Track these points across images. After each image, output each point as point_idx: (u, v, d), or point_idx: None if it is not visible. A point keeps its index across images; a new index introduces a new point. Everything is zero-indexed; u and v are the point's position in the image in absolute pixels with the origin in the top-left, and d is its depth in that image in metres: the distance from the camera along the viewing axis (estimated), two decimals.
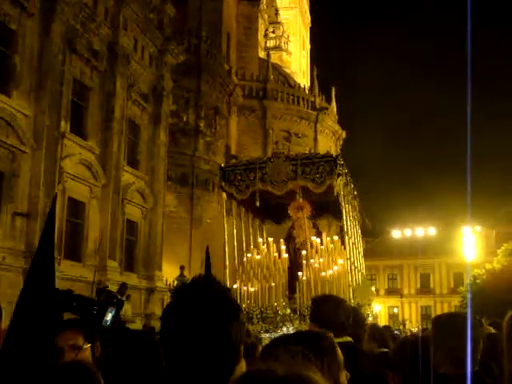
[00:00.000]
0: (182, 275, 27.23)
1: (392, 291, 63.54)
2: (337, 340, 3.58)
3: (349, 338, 3.71)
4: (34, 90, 19.79)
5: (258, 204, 9.98)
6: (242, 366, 1.63)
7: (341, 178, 9.69)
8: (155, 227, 27.32)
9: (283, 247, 10.33)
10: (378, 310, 34.31)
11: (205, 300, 1.65)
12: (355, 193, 11.68)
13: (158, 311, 25.03)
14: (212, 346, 1.59)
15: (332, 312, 3.72)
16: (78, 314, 3.69)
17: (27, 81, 19.62)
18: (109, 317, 3.71)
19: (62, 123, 20.99)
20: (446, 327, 3.05)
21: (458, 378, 2.65)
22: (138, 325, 19.89)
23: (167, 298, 26.52)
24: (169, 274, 28.11)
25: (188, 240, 34.97)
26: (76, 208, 22.42)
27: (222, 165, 10.91)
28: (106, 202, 23.40)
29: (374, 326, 6.75)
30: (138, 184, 26.32)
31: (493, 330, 6.16)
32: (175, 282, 27.37)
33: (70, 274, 20.48)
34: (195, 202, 36.20)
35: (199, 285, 1.75)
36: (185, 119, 37.02)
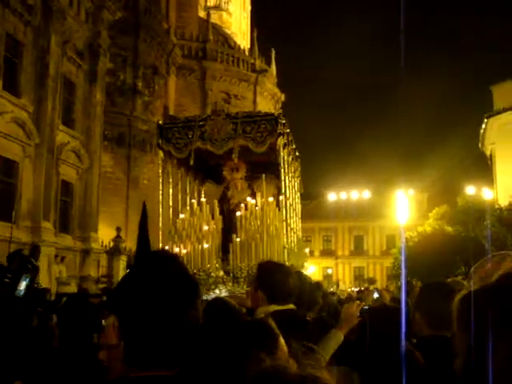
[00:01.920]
0: (118, 237, 27.03)
1: (327, 253, 64.82)
2: (280, 307, 3.66)
3: (291, 306, 3.76)
4: None
5: (191, 163, 9.77)
6: None
7: (281, 137, 9.46)
8: (91, 188, 26.91)
9: (217, 208, 10.09)
10: (313, 271, 34.95)
11: (166, 280, 1.65)
12: (297, 153, 11.51)
13: (94, 273, 24.84)
14: (175, 326, 1.60)
15: (281, 281, 3.75)
16: None
17: None
18: (23, 286, 3.38)
19: None
20: (430, 293, 3.18)
21: (439, 339, 2.78)
22: (73, 287, 19.72)
23: (103, 260, 26.33)
24: (105, 235, 27.85)
25: (124, 201, 34.64)
26: (8, 167, 21.82)
27: (160, 122, 10.45)
28: (40, 161, 22.84)
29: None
30: (73, 144, 25.76)
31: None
32: (111, 244, 27.17)
33: (2, 235, 20.04)
34: (132, 163, 35.78)
35: (158, 262, 1.74)
36: (122, 78, 36.28)
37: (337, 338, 3.79)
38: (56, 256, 22.76)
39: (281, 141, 9.43)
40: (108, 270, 25.88)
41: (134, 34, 36.56)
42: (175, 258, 1.84)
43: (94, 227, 27.05)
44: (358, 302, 4.23)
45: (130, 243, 28.13)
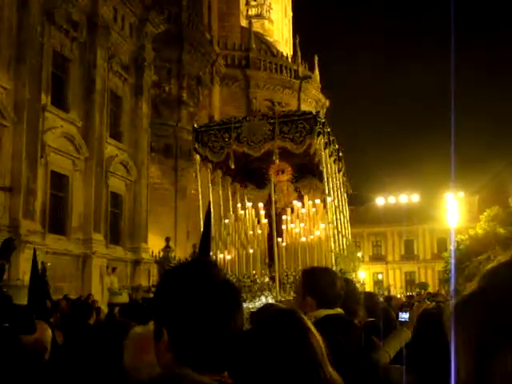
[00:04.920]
0: (167, 246, 27.31)
1: (376, 258, 64.13)
2: (329, 312, 3.63)
3: (339, 310, 3.73)
4: (13, 63, 19.51)
5: (232, 166, 9.39)
6: None
7: (321, 136, 8.96)
8: (140, 199, 27.28)
9: (262, 212, 9.69)
10: (363, 277, 34.62)
11: (210, 287, 1.65)
12: (340, 154, 10.88)
13: (145, 283, 25.13)
14: (218, 335, 1.61)
15: (329, 285, 3.72)
16: None
17: (6, 54, 19.33)
18: None
19: (43, 96, 20.76)
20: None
21: None
22: (124, 297, 19.96)
23: (153, 270, 26.63)
24: (154, 245, 28.16)
25: (173, 211, 34.94)
26: (59, 182, 22.30)
27: (195, 125, 9.97)
28: (90, 175, 23.29)
29: (369, 294, 6.63)
30: (122, 156, 26.19)
31: None
32: (161, 254, 27.45)
33: (55, 248, 20.49)
34: (179, 173, 36.08)
35: (198, 269, 1.74)
36: (167, 90, 36.69)
37: (404, 335, 3.77)
38: (107, 267, 23.12)
39: (321, 140, 9.00)
40: (158, 279, 26.14)
41: (177, 45, 36.94)
42: (213, 264, 1.85)
43: (144, 238, 27.40)
44: (428, 302, 4.21)
45: (180, 252, 28.40)
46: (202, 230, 8.72)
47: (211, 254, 9.17)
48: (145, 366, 1.76)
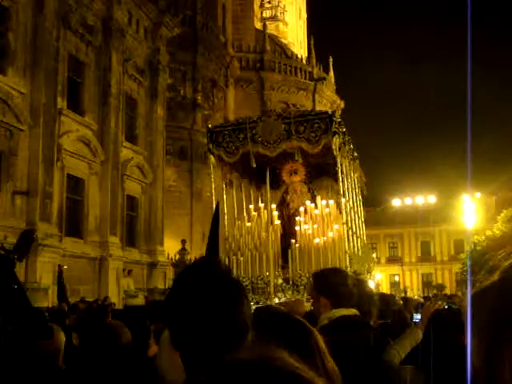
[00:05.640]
0: (183, 249, 27.35)
1: (393, 259, 63.80)
2: (344, 312, 3.62)
3: (354, 311, 3.72)
4: (29, 67, 19.66)
5: (253, 165, 9.25)
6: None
7: (337, 136, 8.84)
8: (155, 202, 27.37)
9: (275, 213, 9.63)
10: (380, 279, 34.47)
11: (208, 283, 1.66)
12: (355, 154, 10.78)
13: (161, 285, 25.20)
14: (217, 328, 1.61)
15: (341, 284, 3.71)
16: None
17: (22, 58, 19.48)
18: None
19: (59, 100, 20.91)
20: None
21: None
22: (140, 300, 20.04)
23: (169, 272, 26.69)
24: (170, 248, 28.22)
25: (189, 214, 35.02)
26: (76, 185, 22.45)
27: (210, 125, 9.93)
28: (106, 178, 23.41)
29: (381, 295, 6.53)
30: (137, 159, 26.30)
31: None
32: (177, 256, 27.51)
33: (71, 251, 20.61)
34: (195, 176, 36.16)
35: (202, 268, 1.75)
36: (182, 93, 36.80)
37: (415, 335, 3.76)
38: (123, 269, 23.22)
39: (336, 140, 8.87)
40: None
41: (192, 48, 37.04)
42: (218, 263, 1.85)
43: (160, 240, 27.48)
44: (440, 302, 4.18)
45: (195, 255, 28.43)
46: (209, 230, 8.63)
47: (222, 255, 9.11)
48: (178, 369, 1.76)
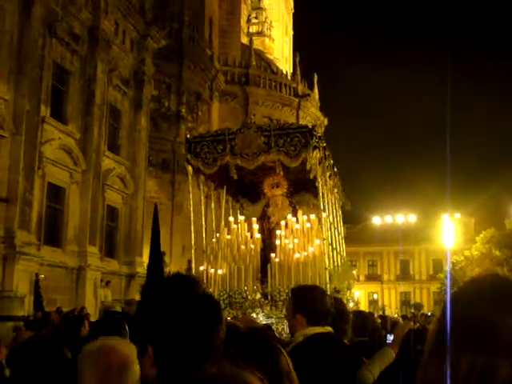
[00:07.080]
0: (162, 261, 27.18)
1: (372, 277, 64.03)
2: (319, 330, 3.63)
3: (329, 328, 3.72)
4: (13, 74, 19.55)
5: (234, 176, 9.23)
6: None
7: (317, 150, 8.73)
8: (136, 213, 27.26)
9: (256, 226, 9.46)
10: (358, 296, 34.51)
11: (190, 303, 1.66)
12: (335, 170, 10.63)
13: (138, 297, 25.00)
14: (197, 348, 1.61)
15: (319, 302, 3.72)
16: None
17: (7, 65, 19.38)
18: None
19: (42, 108, 20.79)
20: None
21: None
22: (118, 311, 19.86)
23: None
24: None
25: (169, 226, 34.84)
26: (56, 193, 22.28)
27: (188, 136, 9.73)
28: (87, 187, 23.27)
29: (359, 313, 6.50)
30: (119, 169, 26.19)
31: None
32: None
33: (49, 260, 20.43)
34: (176, 188, 36.03)
35: (181, 287, 1.75)
36: (166, 104, 36.76)
37: (388, 355, 3.76)
38: (101, 280, 23.03)
39: (316, 154, 8.79)
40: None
41: (178, 61, 37.05)
42: (195, 281, 1.85)
43: (139, 251, 27.31)
44: (411, 323, 4.21)
45: (174, 267, 28.27)
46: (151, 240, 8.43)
47: (202, 268, 8.95)
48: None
